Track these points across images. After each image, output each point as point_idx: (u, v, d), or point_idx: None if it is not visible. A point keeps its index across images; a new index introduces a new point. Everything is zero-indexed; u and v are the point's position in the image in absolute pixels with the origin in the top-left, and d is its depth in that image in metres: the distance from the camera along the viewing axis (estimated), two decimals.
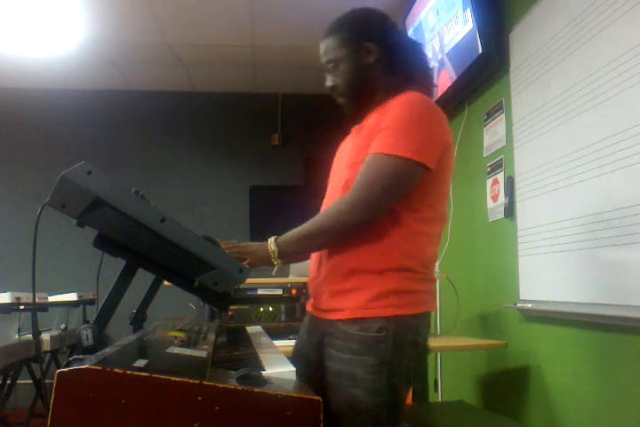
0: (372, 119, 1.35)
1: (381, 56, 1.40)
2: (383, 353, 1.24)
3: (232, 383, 0.85)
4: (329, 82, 1.44)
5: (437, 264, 3.08)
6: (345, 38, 1.40)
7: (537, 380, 2.15)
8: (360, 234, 1.29)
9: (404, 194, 1.27)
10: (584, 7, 1.81)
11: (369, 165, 1.27)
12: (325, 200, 1.47)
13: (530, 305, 2.13)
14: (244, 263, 1.26)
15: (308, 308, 1.47)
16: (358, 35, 1.40)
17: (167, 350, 1.02)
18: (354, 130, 1.46)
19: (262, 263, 1.29)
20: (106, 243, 1.06)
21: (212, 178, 4.67)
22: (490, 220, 2.58)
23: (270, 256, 1.28)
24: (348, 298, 1.30)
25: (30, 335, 3.06)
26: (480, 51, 2.44)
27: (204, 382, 0.82)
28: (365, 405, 1.24)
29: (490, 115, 2.61)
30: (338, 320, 1.30)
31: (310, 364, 1.40)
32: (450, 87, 2.82)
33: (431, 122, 1.30)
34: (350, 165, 1.35)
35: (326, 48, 1.43)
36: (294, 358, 1.49)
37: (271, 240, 1.29)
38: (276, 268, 1.30)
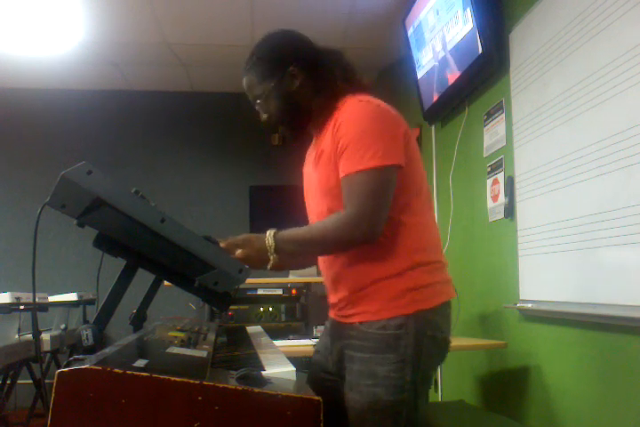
0: (326, 141, 1.34)
1: (306, 76, 1.39)
2: (404, 350, 1.25)
3: (232, 383, 0.85)
4: (263, 116, 1.43)
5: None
6: (265, 71, 1.39)
7: (537, 380, 2.15)
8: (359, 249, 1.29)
9: (391, 199, 1.28)
10: (584, 7, 1.81)
11: (351, 185, 1.26)
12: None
13: (530, 305, 2.13)
14: (239, 253, 1.25)
15: (331, 313, 1.47)
16: (277, 63, 1.38)
17: (167, 350, 1.02)
18: (313, 155, 1.43)
19: (258, 254, 1.27)
20: (106, 243, 1.06)
21: (212, 178, 4.67)
22: (490, 220, 2.58)
23: (267, 249, 1.27)
24: (370, 302, 1.31)
25: (30, 335, 3.06)
26: (480, 51, 2.44)
27: (205, 382, 0.82)
28: (386, 403, 1.24)
29: (490, 115, 2.61)
30: (357, 322, 1.31)
31: (328, 369, 1.43)
32: (450, 87, 2.82)
33: (381, 122, 1.29)
34: (325, 193, 1.35)
35: (249, 84, 1.42)
36: (314, 357, 1.51)
37: (270, 234, 1.28)
38: (271, 262, 1.29)
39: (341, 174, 1.28)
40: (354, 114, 1.30)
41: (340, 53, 1.45)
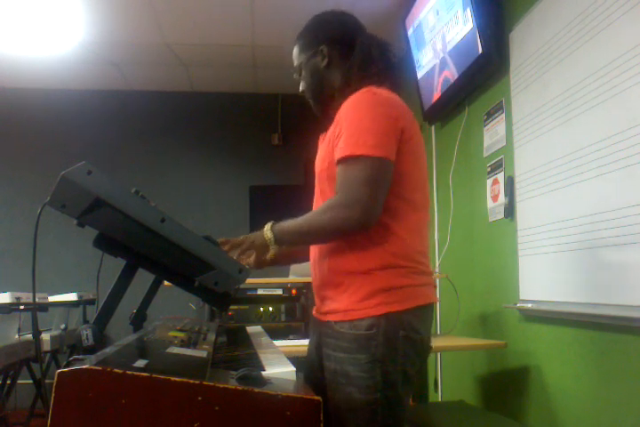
0: (332, 125, 1.38)
1: (336, 59, 1.44)
2: (374, 350, 1.25)
3: (232, 383, 0.85)
4: (300, 87, 1.52)
5: (437, 264, 3.08)
6: (302, 45, 1.50)
7: (537, 380, 2.15)
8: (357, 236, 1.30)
9: (387, 188, 1.27)
10: (584, 7, 1.81)
11: (345, 171, 1.26)
12: (314, 205, 1.48)
13: (530, 305, 2.13)
14: (241, 248, 1.31)
15: (313, 311, 1.49)
16: (312, 40, 1.47)
17: (167, 350, 1.02)
18: (320, 138, 1.49)
19: (259, 250, 1.33)
20: (106, 243, 1.06)
21: (212, 178, 4.67)
22: (490, 220, 2.58)
23: (266, 242, 1.31)
24: (340, 300, 1.32)
25: (30, 335, 3.06)
26: (480, 51, 2.44)
27: (205, 383, 0.82)
28: (359, 402, 1.24)
29: (490, 115, 2.61)
30: (332, 321, 1.32)
31: (314, 365, 1.43)
32: (450, 87, 2.82)
33: (376, 113, 1.29)
34: (319, 172, 1.39)
35: (293, 56, 1.52)
36: (307, 359, 1.52)
37: (268, 227, 1.32)
38: (271, 251, 1.32)
39: (336, 158, 1.29)
40: (355, 101, 1.31)
41: (384, 46, 1.46)
